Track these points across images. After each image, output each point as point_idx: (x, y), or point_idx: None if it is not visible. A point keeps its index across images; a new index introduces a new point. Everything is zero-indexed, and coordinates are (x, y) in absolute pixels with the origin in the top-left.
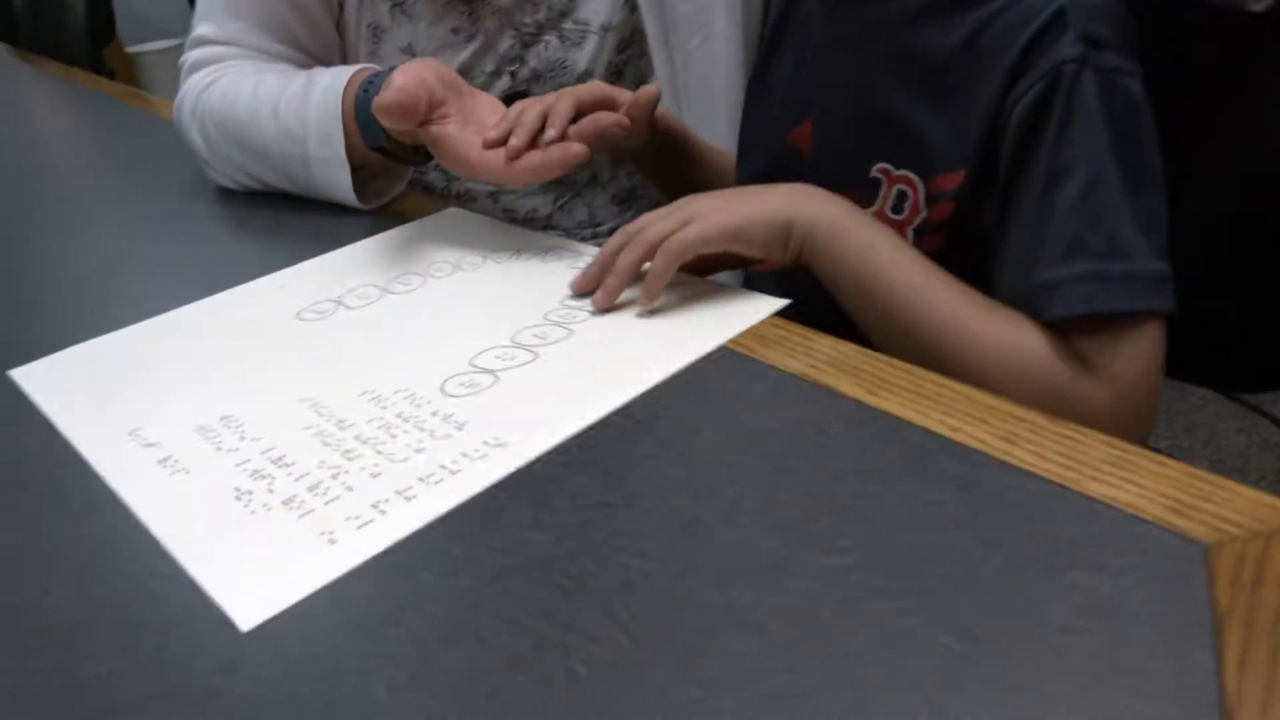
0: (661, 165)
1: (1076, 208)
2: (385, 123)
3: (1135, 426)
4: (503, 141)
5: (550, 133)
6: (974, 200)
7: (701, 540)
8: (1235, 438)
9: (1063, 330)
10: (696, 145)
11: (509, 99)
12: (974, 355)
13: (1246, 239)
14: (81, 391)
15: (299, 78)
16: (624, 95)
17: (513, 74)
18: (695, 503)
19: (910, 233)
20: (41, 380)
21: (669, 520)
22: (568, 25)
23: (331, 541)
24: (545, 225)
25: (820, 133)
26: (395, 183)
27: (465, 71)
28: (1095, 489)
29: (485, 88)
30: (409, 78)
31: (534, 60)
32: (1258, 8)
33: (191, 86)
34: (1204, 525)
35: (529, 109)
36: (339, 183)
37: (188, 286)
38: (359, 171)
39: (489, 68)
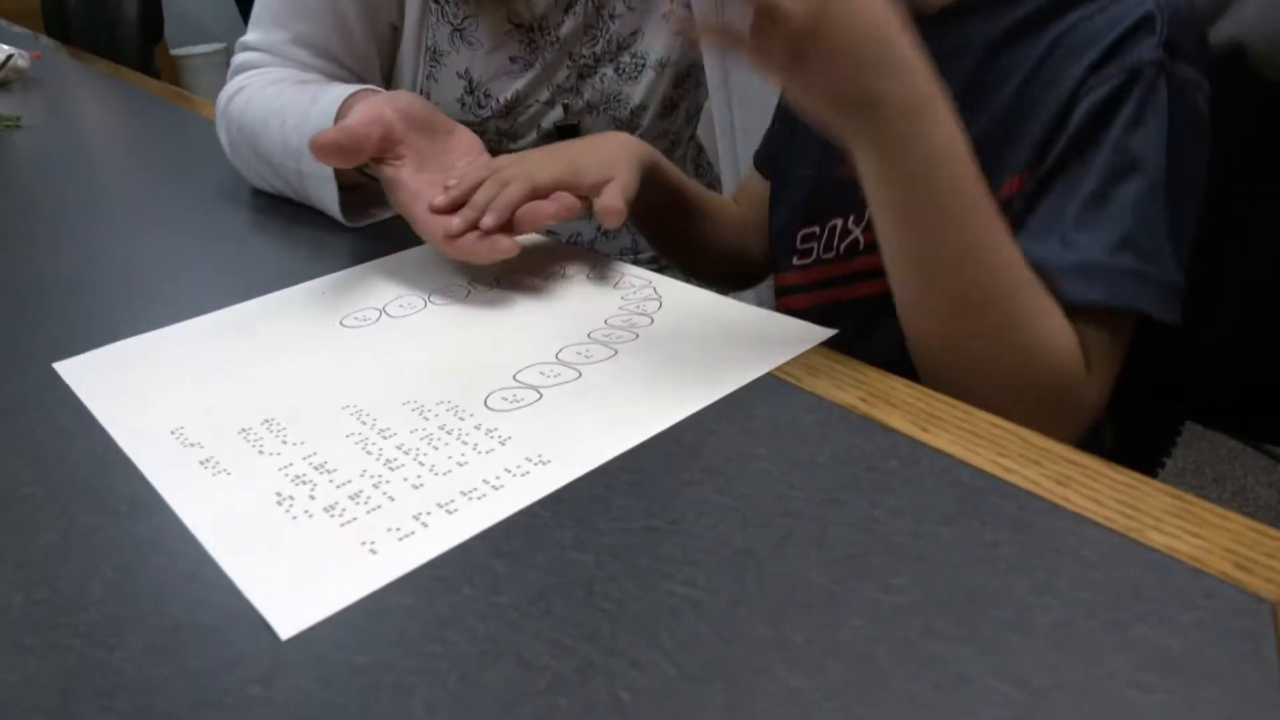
0: (652, 220)
1: (1135, 205)
2: (318, 159)
3: (1099, 401)
4: (451, 208)
5: (488, 220)
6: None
7: (751, 571)
8: (1264, 491)
9: (1076, 317)
10: (695, 200)
11: (561, 130)
12: (1027, 318)
13: None
14: (125, 388)
15: (311, 91)
16: (588, 180)
17: (566, 106)
18: (744, 532)
19: None
20: (85, 374)
21: (717, 548)
22: (625, 58)
23: (373, 552)
24: (589, 249)
25: None
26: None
27: (520, 100)
28: (1156, 539)
29: (538, 117)
30: (365, 114)
31: (589, 92)
32: None
33: (228, 90)
34: (1269, 582)
35: (485, 187)
36: (326, 199)
37: (230, 288)
38: (354, 191)
39: (544, 97)
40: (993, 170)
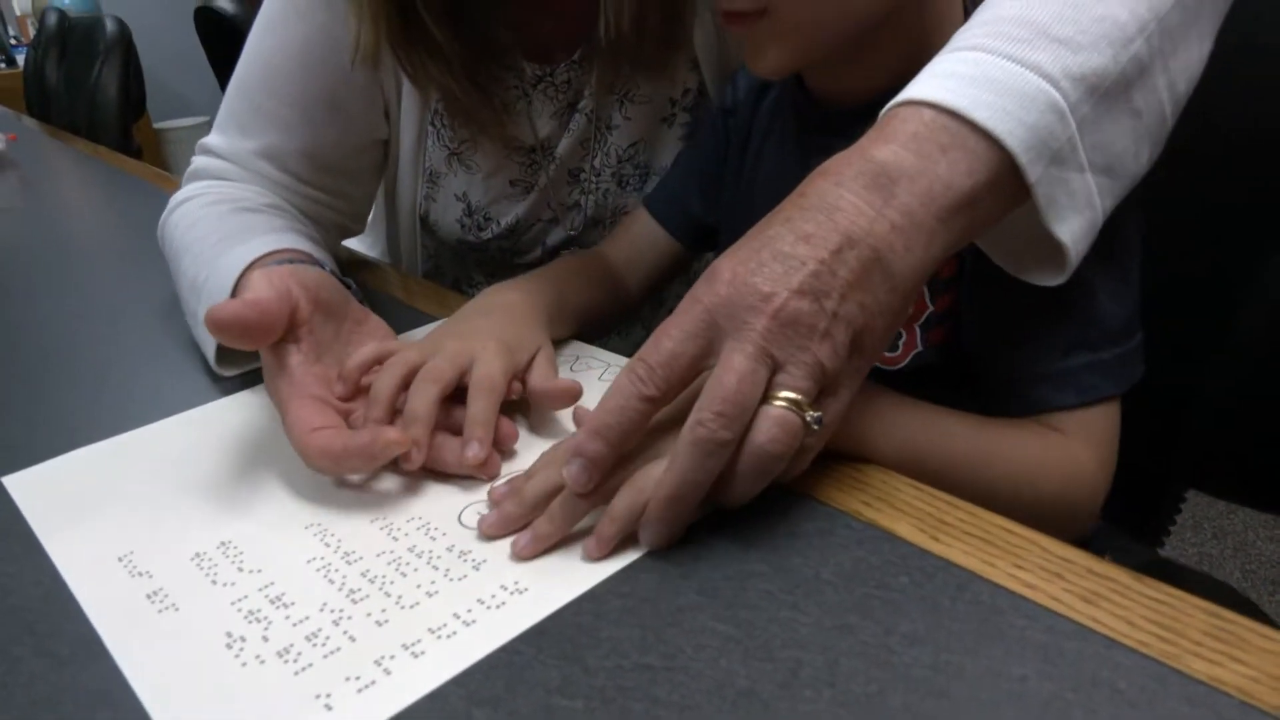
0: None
1: (1070, 303)
2: (217, 337)
3: (1108, 480)
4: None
5: (375, 412)
6: (967, 292)
7: (757, 715)
8: (1266, 546)
9: (1040, 416)
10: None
11: (567, 242)
12: (1005, 471)
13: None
14: (76, 505)
15: (231, 231)
16: (524, 359)
17: (570, 222)
18: (747, 667)
19: (917, 329)
20: (35, 490)
21: (719, 688)
22: (627, 169)
23: (328, 708)
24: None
25: None
26: None
27: (522, 222)
28: (1197, 666)
29: (542, 235)
30: (273, 289)
31: (592, 208)
32: None
33: (177, 196)
34: None
35: (371, 407)
36: (206, 346)
37: (197, 387)
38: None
39: (546, 216)
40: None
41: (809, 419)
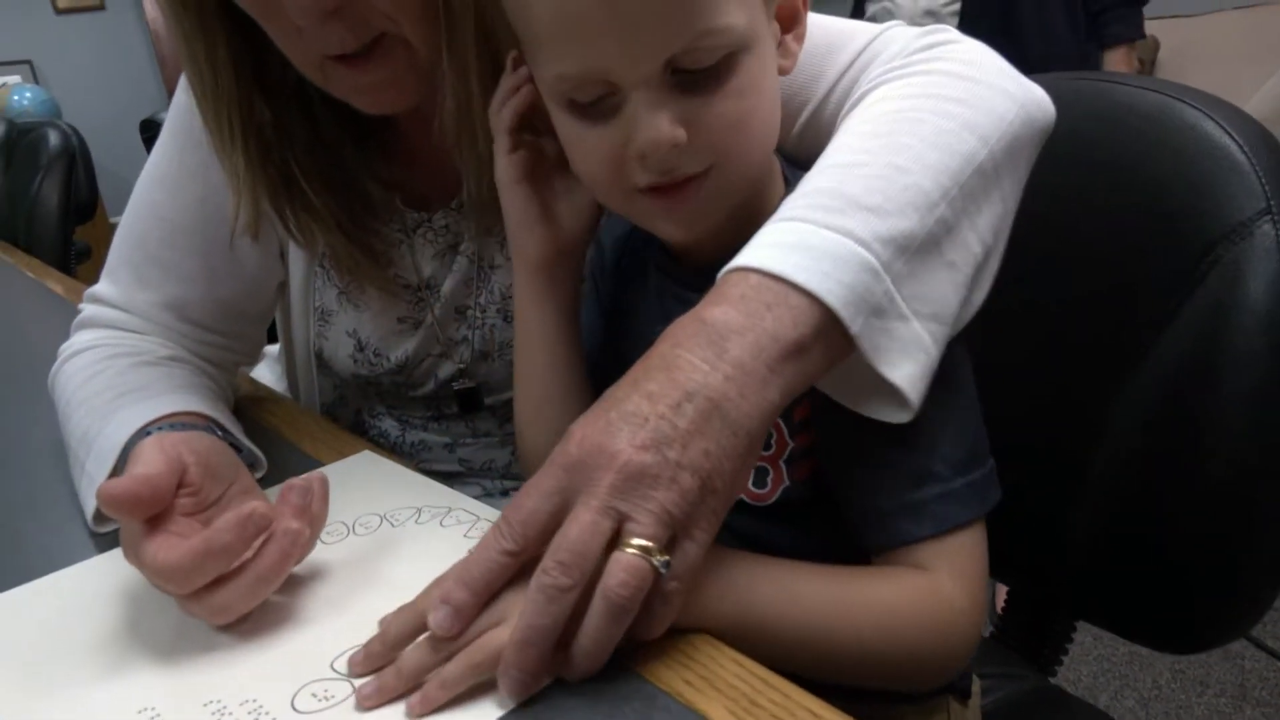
0: None
1: (913, 439)
2: (109, 512)
3: (980, 612)
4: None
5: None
6: (822, 428)
7: None
8: (1165, 675)
9: (908, 558)
10: None
11: (457, 375)
12: (864, 623)
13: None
14: None
15: (131, 382)
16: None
17: (460, 356)
18: None
19: (782, 465)
20: None
21: None
22: (511, 306)
23: None
24: (504, 474)
25: None
26: None
27: (412, 358)
28: None
29: (434, 369)
30: (165, 459)
31: (480, 342)
32: None
33: (68, 346)
34: None
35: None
36: (86, 502)
37: (69, 543)
38: None
39: (436, 350)
40: None
41: (656, 563)
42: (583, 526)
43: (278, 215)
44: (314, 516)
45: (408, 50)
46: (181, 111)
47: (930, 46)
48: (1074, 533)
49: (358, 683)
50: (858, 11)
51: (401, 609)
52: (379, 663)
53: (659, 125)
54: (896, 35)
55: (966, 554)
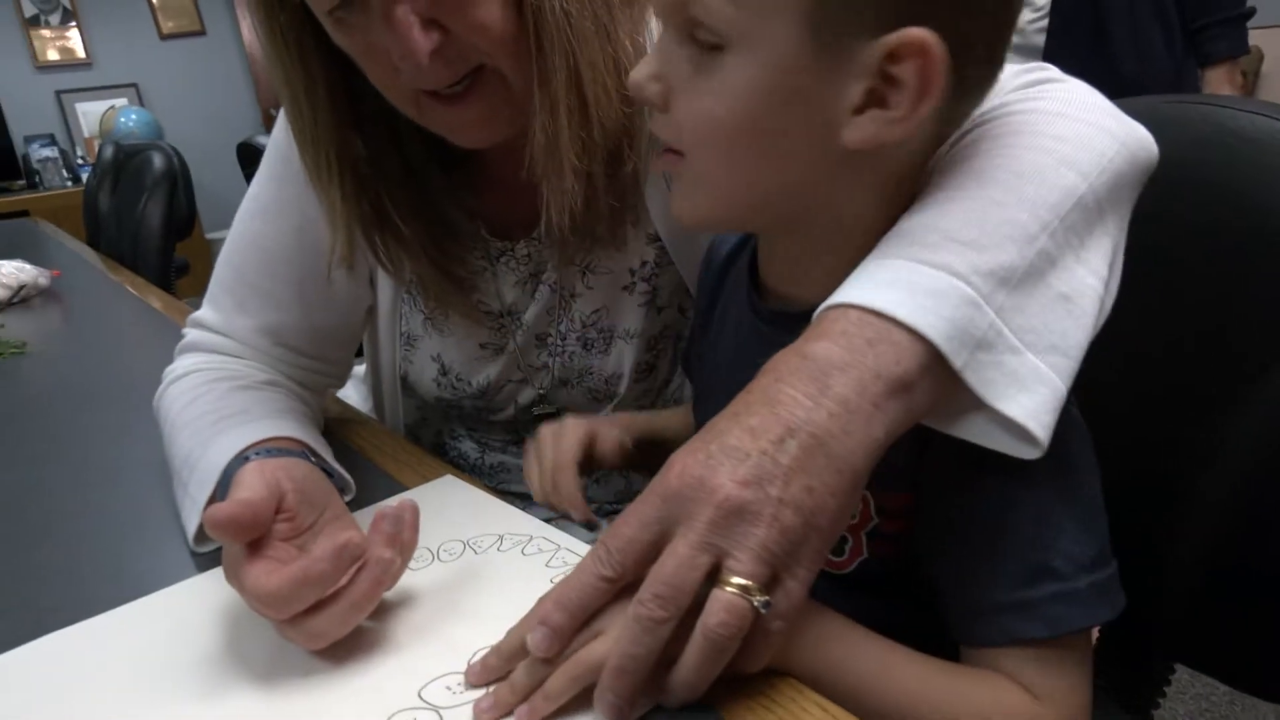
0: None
1: (1032, 532)
2: (214, 535)
3: None
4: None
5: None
6: (921, 521)
7: None
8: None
9: (1010, 659)
10: (673, 432)
11: (537, 400)
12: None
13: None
14: (39, 698)
15: (232, 406)
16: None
17: (539, 383)
18: None
19: (863, 537)
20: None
21: None
22: (592, 334)
23: None
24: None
25: None
26: None
27: (493, 383)
28: None
29: (513, 394)
30: (265, 485)
31: (559, 369)
32: None
33: (173, 370)
34: None
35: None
36: (189, 521)
37: (172, 562)
38: None
39: (516, 377)
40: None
41: (757, 603)
42: (680, 560)
43: (369, 245)
44: (404, 545)
45: (503, 85)
46: (280, 146)
47: (1029, 85)
48: (1173, 570)
49: (445, 713)
50: None
51: (513, 628)
52: (494, 675)
53: (642, 67)
54: None
55: (1074, 675)
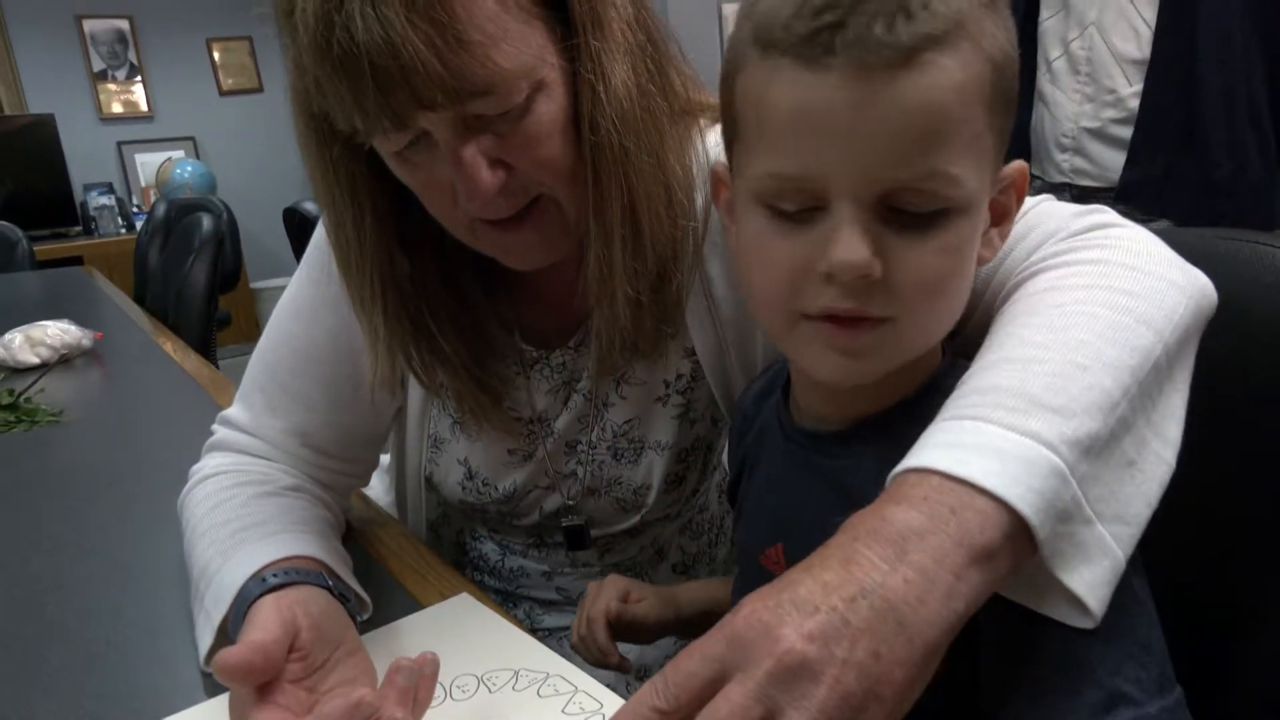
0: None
1: (1101, 659)
2: (223, 681)
3: None
4: None
5: None
6: (986, 657)
7: None
8: None
9: None
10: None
11: (564, 509)
12: None
13: None
14: None
15: (253, 516)
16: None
17: (567, 490)
18: None
19: None
20: None
21: None
22: (623, 444)
23: None
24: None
25: (791, 558)
26: None
27: (520, 489)
28: None
29: (539, 500)
30: (280, 623)
31: (588, 478)
32: None
33: (200, 469)
34: None
35: None
36: (202, 638)
37: (179, 684)
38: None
39: (544, 483)
40: None
41: None
42: (734, 708)
43: (404, 356)
44: (419, 702)
45: (559, 212)
46: (320, 248)
47: (1091, 229)
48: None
49: None
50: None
51: None
52: None
53: (858, 248)
54: (1052, 211)
55: None
